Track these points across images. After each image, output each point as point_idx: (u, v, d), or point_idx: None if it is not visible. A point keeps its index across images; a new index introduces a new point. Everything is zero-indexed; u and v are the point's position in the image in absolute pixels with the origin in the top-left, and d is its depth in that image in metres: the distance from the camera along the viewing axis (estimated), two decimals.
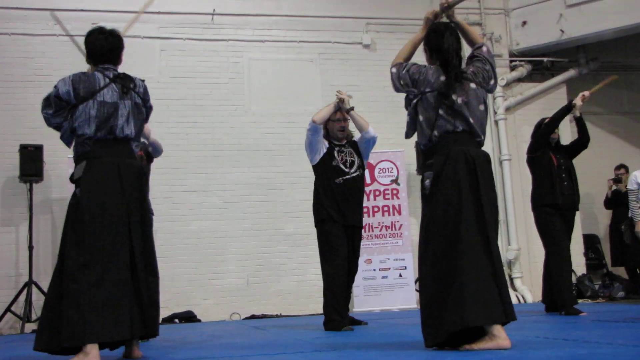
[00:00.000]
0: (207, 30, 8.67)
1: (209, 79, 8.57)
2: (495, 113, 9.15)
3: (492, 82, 3.61)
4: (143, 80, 3.85)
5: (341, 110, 5.41)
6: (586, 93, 6.08)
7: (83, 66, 3.94)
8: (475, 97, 3.48)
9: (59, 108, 3.59)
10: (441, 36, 3.52)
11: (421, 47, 3.72)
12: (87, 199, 3.45)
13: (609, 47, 9.63)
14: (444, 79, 3.46)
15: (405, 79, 3.56)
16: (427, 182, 3.43)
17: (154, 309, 3.68)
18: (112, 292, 3.35)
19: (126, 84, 3.67)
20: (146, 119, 3.93)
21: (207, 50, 8.63)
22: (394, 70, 3.63)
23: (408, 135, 3.70)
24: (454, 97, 3.44)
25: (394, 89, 3.67)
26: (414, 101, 3.56)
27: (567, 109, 6.02)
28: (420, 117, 3.52)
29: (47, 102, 3.62)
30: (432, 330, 3.26)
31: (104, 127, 3.55)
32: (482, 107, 3.50)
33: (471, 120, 3.44)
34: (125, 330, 3.37)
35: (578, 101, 6.02)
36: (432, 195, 3.39)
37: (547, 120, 6.05)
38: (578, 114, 6.08)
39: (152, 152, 5.03)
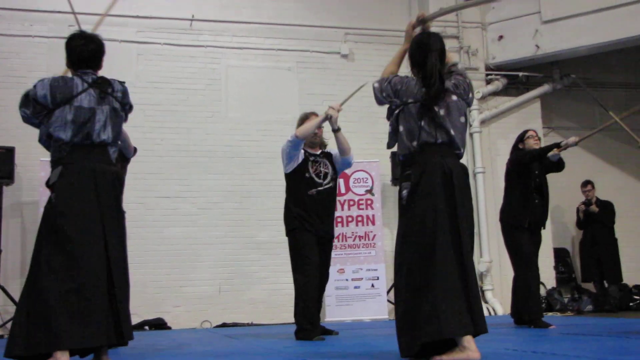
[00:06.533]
0: (185, 35, 8.63)
1: (186, 84, 8.52)
2: (470, 126, 9.18)
3: (470, 95, 3.62)
4: (123, 83, 3.79)
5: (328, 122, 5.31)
6: (576, 138, 6.02)
7: (58, 68, 3.90)
8: (456, 109, 3.48)
9: (37, 111, 3.57)
10: (425, 53, 3.48)
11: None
12: (61, 205, 3.43)
13: (583, 64, 9.78)
14: (423, 85, 3.45)
15: (387, 90, 3.55)
16: (405, 192, 3.43)
17: (126, 316, 3.60)
18: (84, 298, 3.31)
19: (104, 88, 3.64)
20: (125, 120, 3.85)
21: (184, 56, 8.59)
22: (376, 85, 3.62)
23: (389, 145, 3.69)
24: (436, 108, 3.44)
25: (377, 102, 3.66)
26: (396, 112, 3.55)
27: (556, 146, 5.97)
28: (401, 128, 3.51)
29: (26, 101, 3.59)
30: (407, 340, 3.25)
31: (80, 132, 3.52)
32: (462, 119, 3.51)
33: (452, 132, 3.44)
34: (96, 337, 3.33)
35: (572, 140, 5.99)
36: (409, 206, 3.39)
37: (536, 150, 5.95)
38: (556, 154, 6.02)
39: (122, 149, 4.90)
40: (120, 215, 3.67)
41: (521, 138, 6.13)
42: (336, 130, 5.27)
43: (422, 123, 3.43)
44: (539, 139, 6.20)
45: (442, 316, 3.12)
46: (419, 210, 3.34)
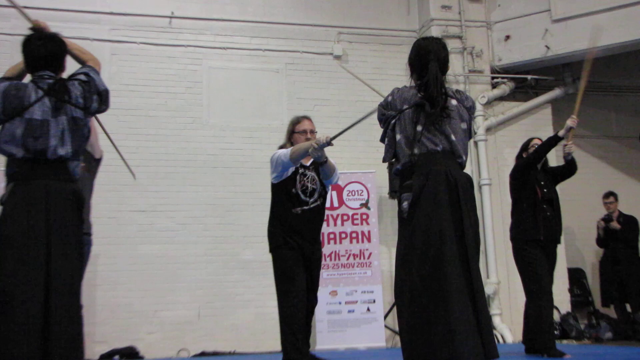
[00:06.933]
0: (163, 34, 8.20)
1: (164, 87, 8.08)
2: (474, 133, 8.70)
3: (471, 104, 3.53)
4: (85, 75, 3.51)
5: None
6: (574, 117, 5.69)
7: None
8: (457, 114, 3.37)
9: None
10: (426, 61, 3.38)
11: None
12: (6, 224, 3.31)
13: (597, 66, 9.16)
14: (422, 94, 3.34)
15: (380, 113, 3.49)
16: (405, 204, 3.27)
17: (76, 344, 3.35)
18: (21, 323, 3.17)
19: (61, 96, 3.34)
20: (106, 105, 3.63)
21: (163, 56, 8.15)
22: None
23: (385, 159, 3.52)
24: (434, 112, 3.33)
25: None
26: (392, 122, 3.42)
27: (555, 139, 5.64)
28: (398, 136, 3.38)
29: None
30: None
31: (33, 148, 3.34)
32: (463, 126, 3.40)
33: (453, 137, 3.31)
34: None
35: (570, 122, 5.63)
36: (411, 219, 3.23)
37: (531, 152, 5.70)
38: (570, 149, 5.69)
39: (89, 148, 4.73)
40: (73, 236, 3.44)
41: (525, 147, 5.92)
42: (324, 162, 4.81)
43: (420, 128, 3.31)
44: None
45: (457, 339, 2.99)
46: (422, 222, 3.19)
